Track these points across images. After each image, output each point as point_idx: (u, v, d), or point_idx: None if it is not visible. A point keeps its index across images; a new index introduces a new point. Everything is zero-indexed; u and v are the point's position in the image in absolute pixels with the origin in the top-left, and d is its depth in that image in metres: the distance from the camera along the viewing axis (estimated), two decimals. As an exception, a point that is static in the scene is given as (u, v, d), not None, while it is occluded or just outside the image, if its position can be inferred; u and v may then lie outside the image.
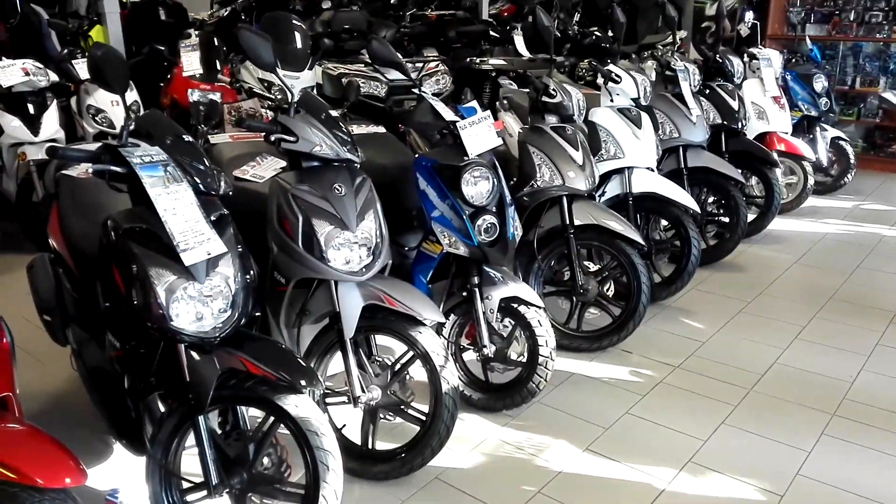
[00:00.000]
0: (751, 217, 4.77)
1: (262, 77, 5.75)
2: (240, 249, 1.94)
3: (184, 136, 2.02)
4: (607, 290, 3.37)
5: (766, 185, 4.73)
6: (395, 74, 6.70)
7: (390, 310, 2.31)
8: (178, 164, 1.91)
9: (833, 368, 3.12)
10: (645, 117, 3.81)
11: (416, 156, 2.76)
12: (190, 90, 5.49)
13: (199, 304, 1.77)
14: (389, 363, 2.43)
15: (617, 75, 3.76)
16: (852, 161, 5.74)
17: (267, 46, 2.32)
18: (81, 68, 4.99)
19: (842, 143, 5.75)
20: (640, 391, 2.96)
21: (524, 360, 2.77)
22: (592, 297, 3.28)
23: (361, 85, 6.23)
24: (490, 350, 2.70)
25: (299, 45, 6.22)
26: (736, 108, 4.71)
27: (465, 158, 2.64)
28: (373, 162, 3.07)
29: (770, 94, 5.21)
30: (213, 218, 1.92)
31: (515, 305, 2.72)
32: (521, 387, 2.74)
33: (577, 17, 9.01)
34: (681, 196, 3.66)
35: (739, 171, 4.89)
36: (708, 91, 4.79)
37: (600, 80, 3.85)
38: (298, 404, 1.90)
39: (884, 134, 6.75)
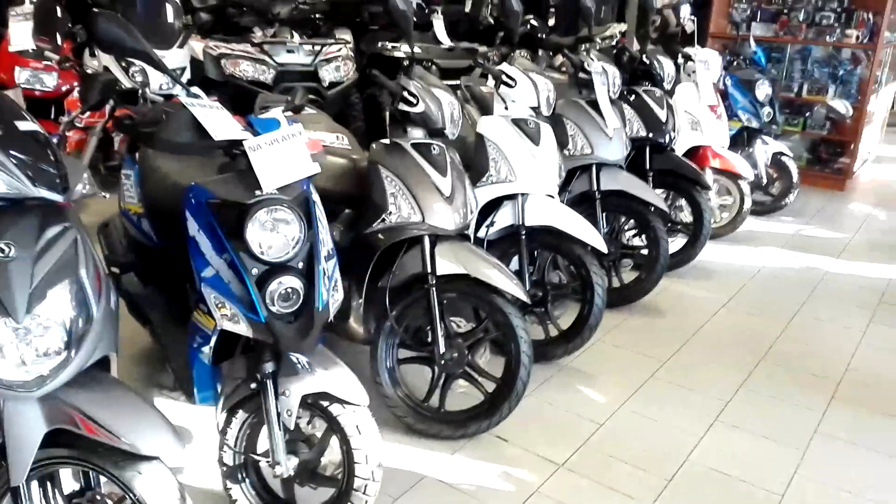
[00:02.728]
0: (678, 245, 4.11)
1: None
2: None
3: None
4: (480, 357, 2.61)
5: (696, 209, 4.04)
6: (287, 57, 5.81)
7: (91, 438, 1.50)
8: None
9: (759, 471, 2.42)
10: (545, 131, 3.04)
11: (191, 184, 1.92)
12: (18, 68, 4.57)
13: None
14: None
15: (510, 77, 2.98)
16: (795, 179, 5.11)
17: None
18: None
19: (784, 158, 5.11)
20: (506, 507, 2.21)
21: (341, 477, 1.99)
22: (459, 367, 2.52)
23: (245, 69, 5.35)
24: (288, 467, 1.91)
25: (170, 18, 5.33)
26: (664, 119, 4.00)
27: (258, 193, 1.84)
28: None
29: (706, 102, 4.51)
30: None
31: (326, 403, 1.93)
32: (330, 518, 1.96)
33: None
34: (583, 231, 2.92)
35: (665, 192, 4.26)
36: (633, 97, 4.07)
37: (490, 84, 3.08)
38: None
39: (831, 147, 6.16)
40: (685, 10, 4.82)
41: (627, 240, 3.85)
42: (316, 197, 2.03)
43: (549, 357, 3.03)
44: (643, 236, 3.68)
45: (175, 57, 4.91)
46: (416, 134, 2.55)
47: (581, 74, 3.57)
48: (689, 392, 2.88)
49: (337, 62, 5.66)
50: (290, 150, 1.91)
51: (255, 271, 1.83)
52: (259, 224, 1.81)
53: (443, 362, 2.48)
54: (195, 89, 1.90)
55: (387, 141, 2.55)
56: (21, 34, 4.59)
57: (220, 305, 1.84)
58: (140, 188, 2.55)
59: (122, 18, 1.74)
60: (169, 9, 5.17)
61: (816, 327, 3.51)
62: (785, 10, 6.02)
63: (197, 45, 5.35)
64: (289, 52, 5.44)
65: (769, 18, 6.08)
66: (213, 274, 1.85)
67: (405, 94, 2.45)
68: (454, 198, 2.48)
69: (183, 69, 4.98)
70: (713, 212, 4.54)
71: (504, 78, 2.96)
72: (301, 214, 1.87)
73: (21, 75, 4.41)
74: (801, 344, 3.33)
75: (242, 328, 1.82)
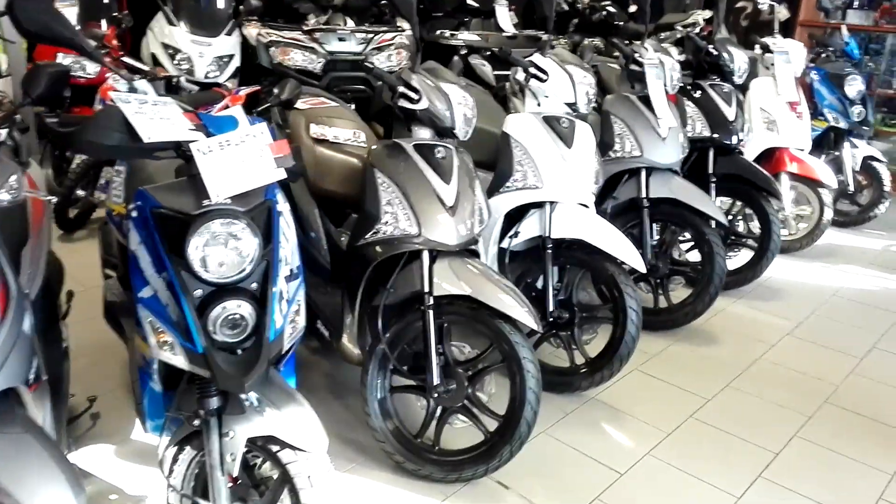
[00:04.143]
0: (743, 260, 3.67)
1: (166, 43, 4.74)
2: None
3: None
4: (483, 389, 2.30)
5: (764, 221, 3.58)
6: (337, 45, 5.60)
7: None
8: None
9: (807, 546, 2.03)
10: (581, 132, 2.70)
11: (138, 189, 1.69)
12: (61, 55, 4.53)
13: None
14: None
15: (541, 69, 2.64)
16: (887, 187, 4.52)
17: None
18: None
19: (876, 164, 4.53)
20: (493, 571, 1.91)
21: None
22: (457, 400, 2.22)
23: (293, 57, 5.17)
24: (231, 516, 1.68)
25: (219, 4, 5.21)
26: (731, 117, 3.57)
27: (206, 203, 1.60)
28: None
29: (785, 99, 4.04)
30: None
31: (275, 448, 1.68)
32: (277, 580, 1.71)
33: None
34: (617, 247, 2.57)
35: (731, 200, 3.82)
36: (697, 92, 3.64)
37: (520, 76, 2.74)
38: None
39: (934, 151, 5.48)
40: (763, -5, 4.32)
41: (680, 254, 3.44)
42: (283, 207, 1.78)
43: (574, 388, 2.69)
44: (697, 250, 3.26)
45: (223, 44, 4.78)
46: (423, 134, 2.27)
47: (633, 66, 3.18)
48: (733, 438, 2.48)
49: (389, 51, 5.40)
50: (248, 154, 1.66)
51: (198, 293, 1.59)
52: (204, 238, 1.57)
53: (436, 395, 2.19)
54: (140, 83, 1.68)
55: (389, 141, 2.28)
56: (66, 20, 4.52)
57: (156, 331, 1.61)
58: (126, 187, 2.37)
59: (50, 3, 1.52)
60: (221, -6, 5.04)
61: (893, 367, 3.01)
62: (887, -4, 5.36)
63: (253, 32, 5.21)
64: (340, 39, 5.23)
65: (868, 5, 5.43)
66: (151, 294, 1.62)
67: (403, 88, 2.15)
68: (458, 208, 2.18)
69: (231, 56, 4.84)
70: (787, 223, 4.06)
71: (533, 70, 2.62)
72: (256, 228, 1.62)
73: (64, 62, 4.35)
74: (872, 387, 2.86)
75: (178, 359, 1.59)
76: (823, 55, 4.76)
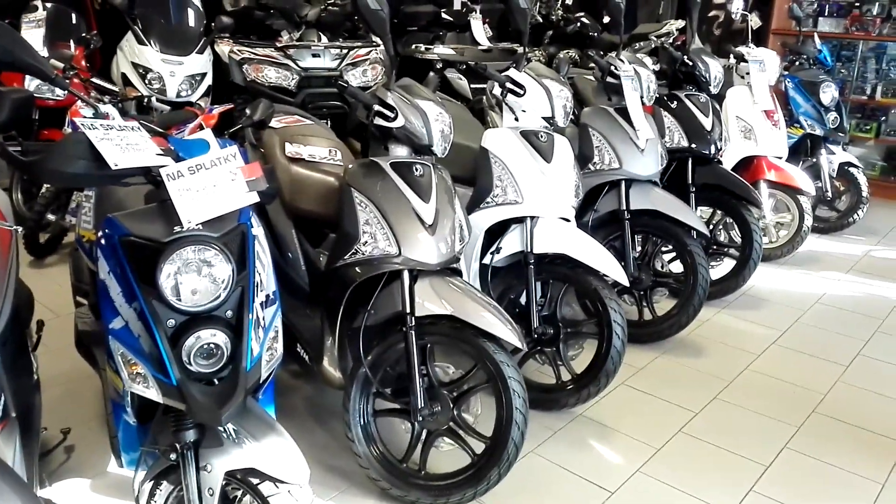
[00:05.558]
0: (725, 269, 3.66)
1: (137, 62, 4.66)
2: None
3: None
4: (469, 410, 2.25)
5: (745, 230, 3.57)
6: (311, 62, 5.54)
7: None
8: None
9: (801, 561, 2.00)
10: (560, 146, 2.67)
11: (107, 217, 1.64)
12: (28, 77, 4.45)
13: None
14: None
15: (517, 84, 2.61)
16: (865, 193, 4.56)
17: None
18: None
19: (853, 169, 4.56)
20: None
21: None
22: (442, 422, 2.17)
23: (267, 74, 5.13)
24: (210, 553, 1.61)
25: (190, 23, 5.14)
26: (709, 127, 3.57)
27: (177, 229, 1.55)
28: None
29: (761, 107, 4.05)
30: None
31: (256, 481, 1.63)
32: None
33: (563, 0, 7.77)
34: (600, 260, 2.54)
35: (711, 210, 3.82)
36: (674, 103, 3.64)
37: (496, 90, 2.72)
38: None
39: (908, 156, 5.55)
40: (737, 5, 4.35)
41: (662, 265, 3.42)
42: (258, 230, 1.73)
43: (561, 405, 2.65)
44: (680, 261, 3.25)
45: (195, 63, 4.72)
46: (400, 152, 2.23)
47: (609, 78, 3.17)
48: (723, 452, 2.45)
49: (364, 66, 5.37)
50: (220, 178, 1.61)
51: (171, 323, 1.54)
52: (175, 266, 1.52)
53: (421, 417, 2.14)
54: (107, 108, 1.62)
55: (365, 160, 2.23)
56: (33, 42, 4.45)
57: (128, 363, 1.55)
58: (95, 213, 2.30)
59: (9, 28, 1.46)
60: (190, 14, 5.00)
61: (879, 375, 3.01)
62: (857, 4, 5.43)
63: (225, 49, 5.16)
64: (314, 55, 5.20)
65: (838, 13, 5.50)
66: (122, 325, 1.56)
67: (378, 107, 2.12)
68: (438, 226, 2.14)
69: (203, 75, 4.78)
70: (768, 231, 4.07)
71: (509, 85, 2.60)
72: (230, 254, 1.57)
73: (31, 84, 4.27)
74: (861, 393, 2.85)
75: (152, 392, 1.53)
76: (797, 63, 4.81)
